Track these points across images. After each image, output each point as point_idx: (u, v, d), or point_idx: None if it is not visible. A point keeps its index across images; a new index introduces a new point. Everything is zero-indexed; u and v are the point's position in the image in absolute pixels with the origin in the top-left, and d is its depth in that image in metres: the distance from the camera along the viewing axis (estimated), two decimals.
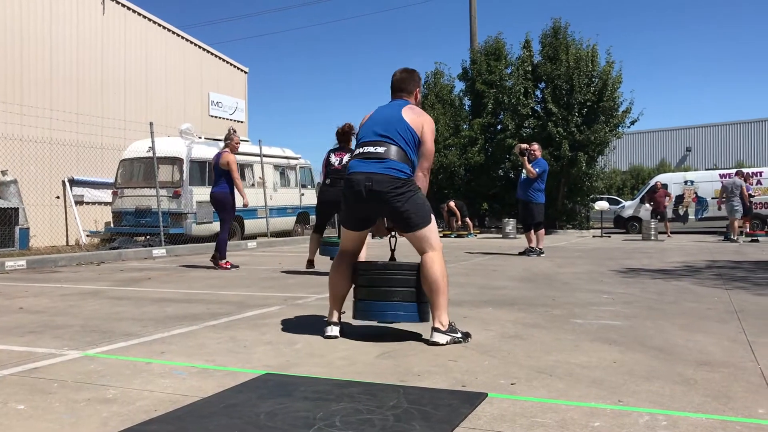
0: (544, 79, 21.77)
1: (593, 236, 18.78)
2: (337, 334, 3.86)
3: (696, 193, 21.39)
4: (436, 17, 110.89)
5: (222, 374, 3.03)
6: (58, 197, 16.73)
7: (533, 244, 10.58)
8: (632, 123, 21.70)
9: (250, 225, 15.22)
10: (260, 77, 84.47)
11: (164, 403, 2.56)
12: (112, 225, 14.81)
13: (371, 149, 3.72)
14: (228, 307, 5.08)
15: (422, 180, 3.82)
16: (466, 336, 3.74)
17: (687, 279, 7.06)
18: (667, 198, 19.53)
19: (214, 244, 8.87)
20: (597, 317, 4.55)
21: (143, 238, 13.76)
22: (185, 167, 13.58)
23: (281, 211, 16.47)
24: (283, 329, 4.12)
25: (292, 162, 17.43)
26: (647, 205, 20.05)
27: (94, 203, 17.42)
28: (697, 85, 77.80)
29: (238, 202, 9.08)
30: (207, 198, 13.72)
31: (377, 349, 3.52)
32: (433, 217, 3.84)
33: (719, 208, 18.00)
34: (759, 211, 19.88)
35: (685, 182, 22.12)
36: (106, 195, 16.42)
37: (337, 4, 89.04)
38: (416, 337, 3.86)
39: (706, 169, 27.33)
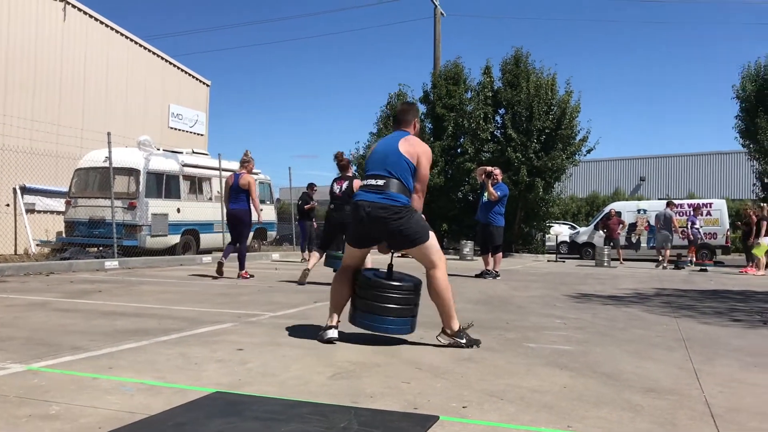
0: (504, 105, 22.15)
1: (548, 261, 19.04)
2: (337, 336, 4.29)
3: (648, 221, 21.88)
4: (402, 39, 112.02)
5: (171, 391, 2.97)
6: (8, 205, 16.28)
7: (489, 267, 10.67)
8: (588, 151, 22.21)
9: (206, 239, 15.05)
10: (223, 91, 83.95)
11: (110, 421, 2.50)
12: (64, 235, 14.47)
13: (373, 182, 4.30)
14: (180, 323, 4.99)
15: (417, 201, 4.37)
16: (472, 343, 4.27)
17: (637, 306, 7.20)
18: (621, 225, 19.97)
19: (169, 257, 8.85)
20: (549, 342, 4.60)
21: (96, 249, 13.47)
22: (142, 179, 13.38)
23: None
24: (235, 347, 4.07)
25: None
26: (601, 231, 20.46)
27: (46, 212, 17.01)
28: (652, 118, 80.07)
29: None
30: (163, 210, 13.65)
31: (331, 369, 3.50)
32: (432, 233, 4.34)
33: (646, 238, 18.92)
34: (708, 241, 20.45)
35: (638, 211, 22.64)
36: (59, 204, 16.05)
37: (303, 22, 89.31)
38: (373, 356, 3.85)
39: (659, 199, 28.03)
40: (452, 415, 2.71)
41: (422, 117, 24.67)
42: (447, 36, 76.48)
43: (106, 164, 12.47)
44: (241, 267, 9.62)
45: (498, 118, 22.80)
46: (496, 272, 10.62)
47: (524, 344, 4.48)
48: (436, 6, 25.77)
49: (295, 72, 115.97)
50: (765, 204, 16.83)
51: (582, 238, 23.31)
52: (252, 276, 9.66)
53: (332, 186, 8.72)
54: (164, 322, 5.05)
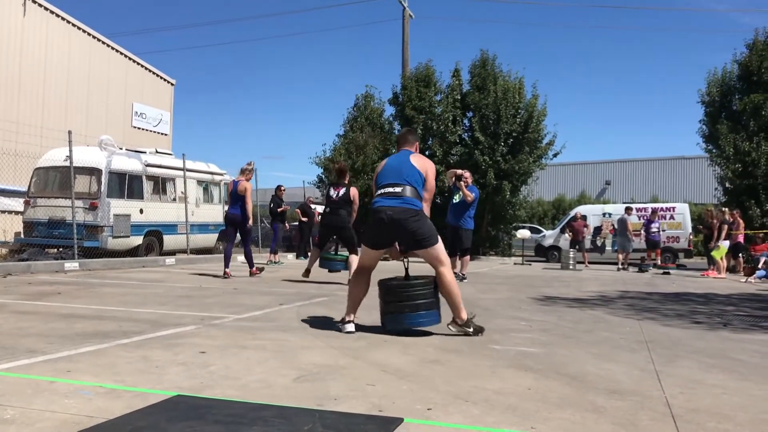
0: (472, 108, 22.28)
1: (515, 263, 19.19)
2: (354, 329, 4.82)
3: (613, 225, 22.18)
4: (370, 40, 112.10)
5: (131, 395, 2.91)
6: None
7: (457, 270, 10.69)
8: (555, 155, 22.45)
9: (170, 240, 14.83)
10: (189, 90, 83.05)
11: (67, 425, 2.43)
12: (22, 235, 14.13)
13: (391, 189, 4.80)
14: (141, 325, 4.90)
15: (425, 208, 4.88)
16: (478, 331, 4.85)
17: (601, 308, 7.28)
18: (586, 229, 20.26)
19: (131, 259, 8.78)
20: (515, 344, 4.62)
21: (55, 250, 13.19)
22: (104, 178, 13.13)
23: (203, 227, 16.13)
24: (198, 350, 4.00)
25: (217, 178, 17.13)
26: (567, 234, 20.71)
27: (4, 212, 16.57)
28: (617, 122, 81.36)
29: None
30: (125, 211, 13.43)
31: (295, 372, 3.46)
32: (439, 237, 4.84)
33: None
34: (671, 245, 20.83)
35: (604, 214, 22.95)
36: (17, 204, 15.65)
37: (269, 21, 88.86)
38: (338, 358, 3.82)
39: (624, 203, 28.47)
40: (417, 417, 2.69)
41: (391, 119, 24.74)
42: (416, 38, 76.87)
43: (67, 163, 12.21)
44: (251, 265, 10.56)
45: (466, 121, 22.93)
46: (464, 275, 10.65)
47: (490, 346, 4.48)
48: (404, 8, 25.84)
49: (261, 72, 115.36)
50: (725, 208, 17.26)
51: (548, 242, 23.55)
52: (262, 269, 10.99)
53: (329, 191, 9.35)
54: (125, 324, 4.95)
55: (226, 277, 9.77)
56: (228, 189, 10.40)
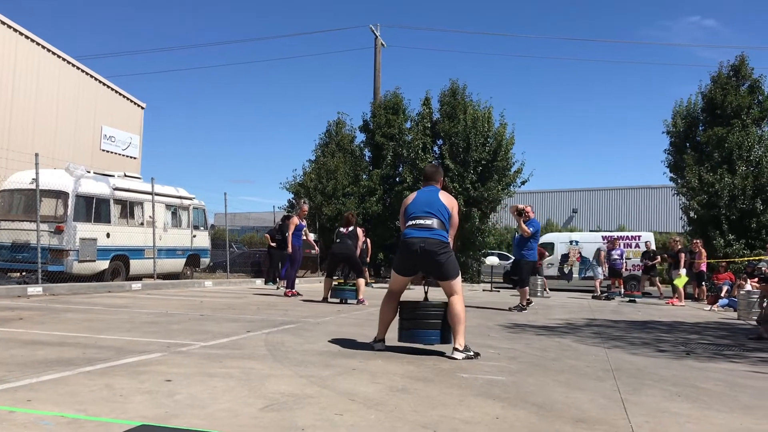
0: (442, 136, 22.52)
1: (483, 290, 19.27)
2: (384, 348, 5.39)
3: (580, 252, 22.46)
4: (342, 68, 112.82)
5: (94, 425, 2.85)
6: None
7: (525, 301, 11.14)
8: (523, 183, 22.75)
9: (136, 265, 14.61)
10: (159, 114, 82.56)
11: None
12: None
13: (422, 222, 5.28)
14: (106, 353, 4.80)
15: (450, 242, 5.35)
16: (476, 355, 5.21)
17: (569, 336, 7.34)
18: (542, 256, 20.59)
19: (97, 284, 8.65)
20: (483, 372, 4.63)
21: (18, 274, 12.90)
22: (70, 202, 12.93)
23: (170, 252, 15.93)
24: (163, 378, 3.94)
25: (186, 202, 16.97)
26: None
27: None
28: (584, 151, 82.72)
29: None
30: (92, 235, 13.22)
31: (262, 401, 3.42)
32: (459, 271, 5.38)
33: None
34: (636, 273, 21.11)
35: (571, 242, 23.22)
36: None
37: (242, 46, 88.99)
38: (306, 387, 3.79)
39: (590, 231, 28.86)
40: None
41: (361, 146, 24.88)
42: (388, 66, 77.55)
43: (33, 186, 12.00)
44: (288, 286, 12.29)
45: (436, 148, 23.15)
46: (522, 305, 11.02)
47: (458, 374, 4.49)
48: (377, 36, 26.13)
49: (233, 96, 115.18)
50: (678, 237, 17.63)
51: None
52: (299, 294, 12.26)
53: (339, 230, 11.27)
54: (89, 351, 4.85)
55: (289, 296, 11.83)
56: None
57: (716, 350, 6.64)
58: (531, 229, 11.09)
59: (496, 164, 21.65)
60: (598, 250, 18.00)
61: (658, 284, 18.28)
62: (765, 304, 8.78)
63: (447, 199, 5.44)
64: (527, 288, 11.36)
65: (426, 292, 5.63)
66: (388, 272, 23.10)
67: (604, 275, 18.09)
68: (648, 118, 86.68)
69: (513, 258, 11.77)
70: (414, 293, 5.58)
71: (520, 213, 11.15)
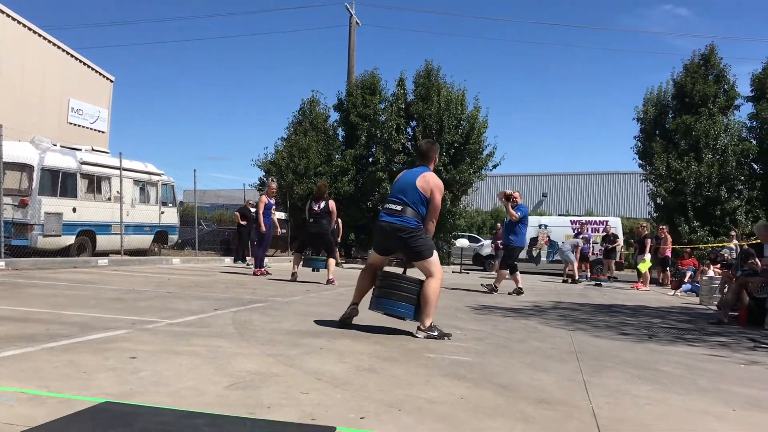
0: (415, 118, 22.49)
1: (453, 272, 19.41)
2: (357, 311, 5.61)
3: (549, 236, 22.69)
4: (317, 46, 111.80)
5: (56, 401, 2.81)
6: None
7: (520, 284, 11.28)
8: (494, 166, 22.86)
9: (103, 241, 14.41)
10: (128, 88, 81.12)
11: None
12: None
13: (392, 207, 5.48)
14: (70, 329, 4.74)
15: (429, 225, 5.52)
16: (444, 336, 5.28)
17: (535, 318, 7.44)
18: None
19: (62, 259, 8.51)
20: (449, 352, 4.68)
21: None
22: (36, 175, 12.67)
23: (138, 228, 15.74)
24: (128, 355, 3.90)
25: (154, 178, 16.74)
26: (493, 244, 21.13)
27: None
28: (555, 136, 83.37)
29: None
30: (57, 209, 13.00)
31: (228, 380, 3.42)
32: (435, 252, 5.50)
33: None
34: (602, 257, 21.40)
35: (540, 226, 23.43)
36: None
37: (215, 22, 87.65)
38: (272, 365, 3.79)
39: (559, 215, 29.17)
40: (349, 425, 2.70)
41: (335, 124, 24.74)
42: (362, 45, 77.00)
43: None
44: (257, 265, 12.25)
45: (410, 129, 23.13)
46: (495, 287, 11.24)
47: (425, 354, 4.53)
48: (351, 15, 25.92)
49: (206, 72, 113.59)
50: (645, 223, 17.93)
51: (486, 251, 23.89)
52: (269, 273, 12.25)
53: (311, 204, 11.08)
54: (53, 327, 4.78)
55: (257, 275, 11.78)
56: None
57: (678, 334, 6.78)
58: (519, 213, 11.19)
59: (469, 147, 21.71)
60: (576, 245, 18.20)
61: (612, 267, 18.61)
62: (726, 290, 8.99)
63: (424, 183, 5.47)
64: (518, 274, 11.47)
65: (405, 270, 5.77)
66: (359, 253, 23.17)
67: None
68: (620, 105, 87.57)
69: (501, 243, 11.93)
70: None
71: (508, 198, 11.31)
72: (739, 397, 3.76)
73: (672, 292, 14.67)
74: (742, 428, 3.08)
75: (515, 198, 11.37)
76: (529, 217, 12.88)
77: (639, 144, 24.25)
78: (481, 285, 11.31)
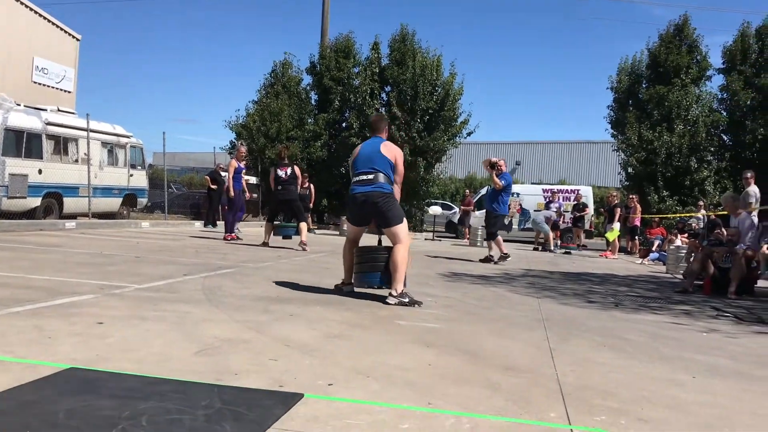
0: (390, 83, 22.33)
1: (425, 239, 19.50)
2: (353, 289, 5.77)
3: (521, 204, 22.84)
4: (289, 7, 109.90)
5: (21, 367, 2.78)
6: None
7: (505, 251, 11.24)
8: (469, 134, 22.88)
9: (70, 203, 14.19)
10: (96, 47, 79.16)
11: None
12: None
13: (364, 177, 5.56)
14: (36, 293, 4.67)
15: (397, 190, 5.69)
16: (414, 303, 5.31)
17: (504, 286, 7.52)
18: (472, 207, 21.07)
19: (28, 221, 8.37)
20: (419, 320, 4.71)
21: None
22: None
23: (106, 191, 15.52)
24: (95, 320, 3.86)
25: (123, 140, 16.47)
26: (477, 212, 21.21)
27: None
28: (529, 105, 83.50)
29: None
30: (22, 171, 12.74)
31: (196, 346, 3.40)
32: (405, 220, 5.64)
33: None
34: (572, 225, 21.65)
35: (513, 194, 23.54)
36: None
37: None
38: (241, 332, 3.78)
39: (532, 183, 29.37)
40: (317, 392, 2.71)
41: (308, 88, 24.46)
42: (337, 7, 75.81)
43: None
44: (228, 230, 12.00)
45: (384, 95, 22.96)
46: (491, 256, 11.19)
47: (395, 321, 4.56)
48: None
49: (175, 32, 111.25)
50: (617, 192, 18.15)
51: (458, 218, 24.00)
52: (239, 238, 12.10)
53: (276, 172, 11.02)
54: (18, 292, 4.71)
55: (227, 240, 11.69)
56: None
57: (643, 302, 6.91)
58: (503, 182, 11.22)
59: (443, 114, 21.66)
60: (549, 217, 18.26)
61: (581, 235, 18.84)
62: (692, 259, 9.16)
63: (388, 151, 5.63)
64: (500, 239, 11.44)
65: (379, 240, 5.85)
66: (332, 219, 23.13)
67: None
68: (594, 74, 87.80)
69: (486, 210, 11.89)
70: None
71: (492, 166, 11.30)
72: (700, 365, 3.85)
73: (640, 260, 14.93)
74: (701, 394, 3.15)
75: (500, 166, 11.36)
76: None
77: (612, 113, 24.40)
78: (480, 260, 11.27)
